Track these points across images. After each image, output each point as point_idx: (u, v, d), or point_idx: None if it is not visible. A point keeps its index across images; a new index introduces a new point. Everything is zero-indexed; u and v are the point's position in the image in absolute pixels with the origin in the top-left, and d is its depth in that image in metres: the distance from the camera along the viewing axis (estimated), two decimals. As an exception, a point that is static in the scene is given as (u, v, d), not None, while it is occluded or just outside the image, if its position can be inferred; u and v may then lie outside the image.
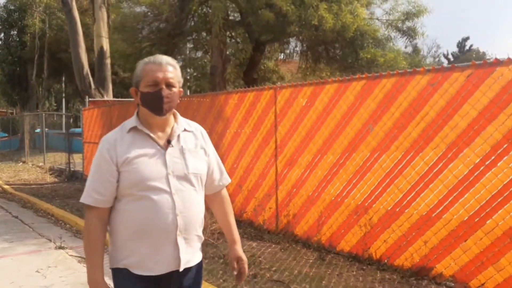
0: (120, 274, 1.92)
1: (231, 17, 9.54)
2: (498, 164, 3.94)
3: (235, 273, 2.16)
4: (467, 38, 63.82)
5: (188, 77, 12.17)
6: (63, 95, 34.20)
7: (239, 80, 11.91)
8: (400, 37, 9.83)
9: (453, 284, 4.23)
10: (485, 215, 4.03)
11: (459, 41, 63.93)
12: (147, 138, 1.94)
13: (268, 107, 6.43)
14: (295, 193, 6.00)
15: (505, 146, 3.90)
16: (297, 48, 10.92)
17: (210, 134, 7.28)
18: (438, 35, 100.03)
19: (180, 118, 2.05)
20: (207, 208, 2.14)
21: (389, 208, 4.84)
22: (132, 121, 1.98)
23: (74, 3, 15.14)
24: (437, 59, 65.52)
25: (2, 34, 28.23)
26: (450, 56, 63.14)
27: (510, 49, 77.74)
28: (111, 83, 15.55)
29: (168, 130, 1.99)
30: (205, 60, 11.82)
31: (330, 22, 8.11)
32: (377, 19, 9.91)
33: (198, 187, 2.00)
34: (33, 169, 16.45)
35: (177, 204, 1.89)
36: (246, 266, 2.16)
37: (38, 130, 22.85)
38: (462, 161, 4.20)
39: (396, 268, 4.67)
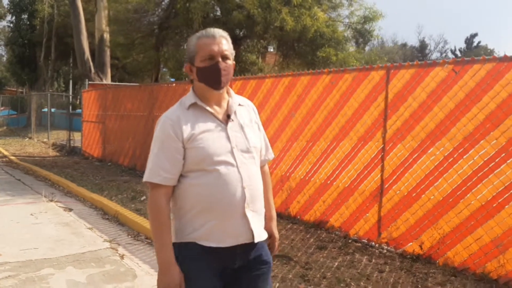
0: (187, 247, 1.88)
1: (212, 14, 10.81)
2: (368, 144, 5.29)
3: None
4: (475, 35, 63.56)
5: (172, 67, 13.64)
6: (70, 76, 35.67)
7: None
8: (359, 38, 11.15)
9: (339, 233, 5.59)
10: (360, 181, 5.39)
11: (467, 37, 63.83)
12: (208, 113, 1.92)
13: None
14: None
15: (373, 130, 5.24)
16: (272, 44, 12.18)
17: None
18: (446, 30, 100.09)
19: (233, 93, 2.03)
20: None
21: (302, 177, 6.21)
22: (190, 98, 1.95)
23: (78, -6, 16.45)
24: (444, 54, 65.78)
25: (14, 18, 29.72)
26: (457, 52, 63.30)
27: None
28: (109, 68, 16.89)
29: (224, 104, 1.97)
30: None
31: (291, 24, 9.39)
32: (340, 21, 11.20)
33: (256, 161, 2.00)
34: (38, 144, 17.92)
35: (243, 177, 1.88)
36: (276, 243, 2.17)
37: (45, 110, 24.31)
38: (348, 140, 5.55)
39: (304, 222, 6.05)
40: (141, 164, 10.48)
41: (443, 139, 4.54)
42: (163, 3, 11.42)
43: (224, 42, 1.89)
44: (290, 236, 5.46)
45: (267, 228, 2.11)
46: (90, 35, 17.68)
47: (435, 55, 65.17)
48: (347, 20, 11.30)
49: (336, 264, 4.55)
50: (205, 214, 1.86)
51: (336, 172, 5.68)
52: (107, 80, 16.51)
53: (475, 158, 4.26)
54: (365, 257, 4.78)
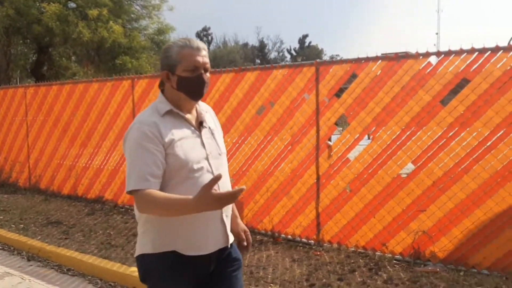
0: (164, 258, 1.85)
1: (15, 26, 11.52)
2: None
3: (244, 244, 2.15)
4: (306, 35, 69.44)
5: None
6: None
7: (32, 77, 13.94)
8: (156, 48, 13.04)
9: (112, 204, 7.25)
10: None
11: (300, 37, 69.71)
12: (183, 121, 1.91)
13: (30, 101, 8.87)
14: (39, 159, 8.59)
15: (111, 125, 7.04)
16: (79, 52, 13.34)
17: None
18: (282, 31, 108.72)
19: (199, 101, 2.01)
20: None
21: (86, 165, 7.75)
22: (164, 104, 1.90)
23: None
24: (281, 53, 71.09)
25: None
26: (292, 51, 68.94)
27: (345, 46, 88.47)
28: None
29: (194, 112, 1.97)
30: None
31: (88, 36, 10.78)
32: (139, 32, 12.90)
33: (226, 165, 2.02)
34: None
35: (219, 183, 1.79)
36: (250, 235, 2.19)
37: None
38: (103, 135, 7.23)
39: (87, 199, 7.60)
40: None
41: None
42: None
43: (205, 54, 1.89)
44: (69, 210, 7.01)
45: (239, 225, 2.15)
46: None
47: (273, 54, 70.60)
48: (145, 32, 13.10)
49: (95, 222, 6.25)
50: (186, 222, 1.82)
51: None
52: None
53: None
54: (119, 216, 6.57)
